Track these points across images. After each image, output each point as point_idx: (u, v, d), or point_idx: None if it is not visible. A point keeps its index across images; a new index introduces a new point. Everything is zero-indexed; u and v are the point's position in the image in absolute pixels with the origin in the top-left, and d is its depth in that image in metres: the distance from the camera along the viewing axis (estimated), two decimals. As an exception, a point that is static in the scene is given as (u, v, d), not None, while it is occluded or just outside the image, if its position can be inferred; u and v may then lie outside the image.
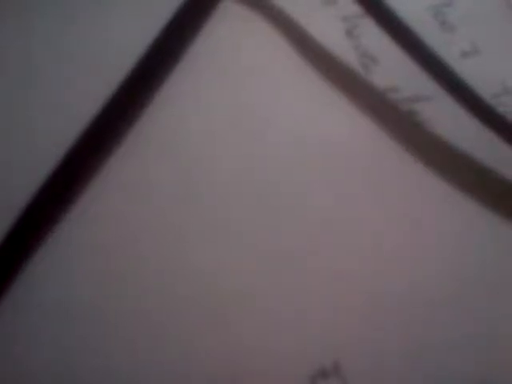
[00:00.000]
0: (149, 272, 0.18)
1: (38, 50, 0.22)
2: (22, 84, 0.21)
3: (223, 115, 0.21)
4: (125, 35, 0.22)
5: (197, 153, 0.20)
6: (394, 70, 0.22)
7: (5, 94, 0.21)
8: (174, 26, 0.22)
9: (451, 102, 0.20)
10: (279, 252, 0.19)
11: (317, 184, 0.20)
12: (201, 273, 0.19)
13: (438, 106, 0.21)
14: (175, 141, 0.20)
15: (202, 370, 0.17)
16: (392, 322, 0.18)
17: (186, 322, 0.18)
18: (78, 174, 0.19)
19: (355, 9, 0.21)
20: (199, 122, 0.21)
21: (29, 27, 0.22)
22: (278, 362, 0.18)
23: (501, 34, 0.23)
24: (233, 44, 0.22)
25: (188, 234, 0.19)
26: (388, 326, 0.18)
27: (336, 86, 0.22)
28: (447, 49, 0.22)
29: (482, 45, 0.22)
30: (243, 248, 0.19)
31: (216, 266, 0.19)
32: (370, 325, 0.18)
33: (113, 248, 0.19)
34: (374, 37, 0.21)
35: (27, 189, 0.19)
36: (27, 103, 0.21)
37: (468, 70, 0.21)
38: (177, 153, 0.20)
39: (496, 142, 0.20)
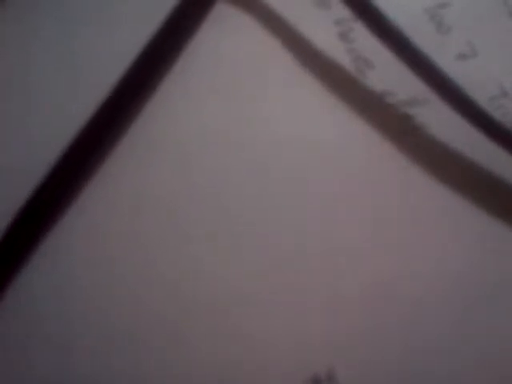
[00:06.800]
0: (149, 272, 0.19)
1: (37, 52, 0.22)
2: (21, 85, 0.21)
3: (218, 118, 0.21)
4: (122, 37, 0.22)
5: (193, 154, 0.20)
6: (389, 73, 0.21)
7: (4, 94, 0.21)
8: (167, 28, 0.22)
9: (447, 105, 0.20)
10: (275, 254, 0.19)
11: (314, 186, 0.20)
12: (200, 274, 0.19)
13: (434, 109, 0.21)
14: (172, 142, 0.20)
15: (200, 371, 0.17)
16: (389, 328, 0.18)
17: (184, 323, 0.18)
18: (76, 174, 0.19)
19: (349, 12, 0.21)
20: (195, 124, 0.21)
21: (28, 28, 0.22)
22: (271, 369, 0.18)
23: (498, 36, 0.23)
24: (226, 46, 0.22)
25: (187, 235, 0.19)
26: (384, 333, 0.18)
27: (331, 90, 0.21)
28: (444, 51, 0.22)
29: (479, 47, 0.22)
30: (239, 250, 0.19)
31: (214, 268, 0.19)
32: (365, 332, 0.18)
33: (114, 247, 0.19)
34: (369, 40, 0.21)
35: (25, 189, 0.19)
36: (25, 104, 0.21)
37: (465, 73, 0.21)
38: (174, 153, 0.20)
39: (492, 145, 0.19)
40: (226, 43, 0.22)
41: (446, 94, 0.20)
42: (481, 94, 0.21)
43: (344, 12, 0.22)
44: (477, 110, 0.19)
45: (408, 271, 0.19)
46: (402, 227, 0.19)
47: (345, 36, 0.22)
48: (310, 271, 0.19)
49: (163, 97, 0.21)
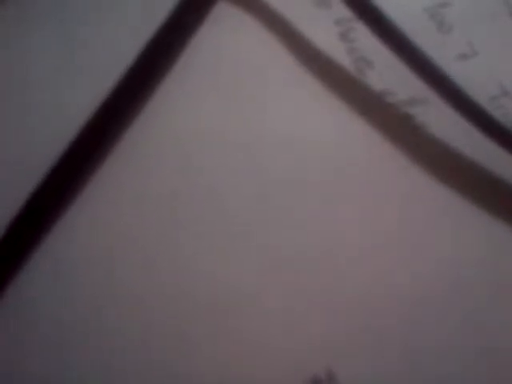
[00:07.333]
0: (149, 271, 0.19)
1: (37, 52, 0.22)
2: (21, 84, 0.21)
3: (218, 117, 0.21)
4: (122, 37, 0.22)
5: (194, 153, 0.20)
6: (389, 73, 0.21)
7: (3, 93, 0.21)
8: (168, 27, 0.22)
9: (447, 105, 0.20)
10: (275, 254, 0.19)
11: (314, 187, 0.20)
12: (200, 275, 0.19)
13: (434, 109, 0.21)
14: (172, 141, 0.20)
15: (200, 372, 0.17)
16: (389, 329, 0.18)
17: (184, 324, 0.18)
18: (76, 173, 0.19)
19: (349, 12, 0.21)
20: (196, 123, 0.21)
21: (29, 28, 0.22)
22: (271, 370, 0.17)
23: (498, 36, 0.23)
24: (227, 46, 0.22)
25: (188, 234, 0.19)
26: (384, 333, 0.18)
27: (331, 90, 0.21)
28: (444, 51, 0.22)
29: (479, 46, 0.22)
30: (239, 250, 0.19)
31: (214, 268, 0.19)
32: (365, 332, 0.18)
33: (114, 246, 0.19)
34: (369, 40, 0.21)
35: (25, 188, 0.19)
36: (25, 103, 0.21)
37: (465, 72, 0.21)
38: (175, 152, 0.20)
39: (492, 145, 0.19)
40: (226, 43, 0.22)
41: (447, 94, 0.20)
42: (481, 94, 0.20)
43: (344, 12, 0.22)
44: (477, 109, 0.19)
45: (408, 271, 0.19)
46: (402, 227, 0.19)
47: (345, 36, 0.22)
48: (310, 271, 0.19)
49: (164, 95, 0.21)
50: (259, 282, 0.18)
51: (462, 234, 0.19)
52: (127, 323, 0.18)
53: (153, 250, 0.19)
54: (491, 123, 0.19)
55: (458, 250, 0.19)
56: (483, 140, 0.19)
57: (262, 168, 0.20)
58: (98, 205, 0.19)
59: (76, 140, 0.20)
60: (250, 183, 0.20)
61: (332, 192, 0.20)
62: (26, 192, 0.19)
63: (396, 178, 0.20)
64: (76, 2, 0.23)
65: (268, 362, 0.18)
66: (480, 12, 0.23)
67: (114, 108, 0.20)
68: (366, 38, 0.21)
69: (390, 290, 0.18)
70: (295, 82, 0.21)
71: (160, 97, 0.21)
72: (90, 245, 0.19)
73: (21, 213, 0.19)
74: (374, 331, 0.18)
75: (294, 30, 0.22)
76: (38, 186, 0.19)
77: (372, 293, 0.18)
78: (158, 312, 0.18)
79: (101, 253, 0.19)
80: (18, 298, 0.18)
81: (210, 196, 0.20)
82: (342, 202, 0.20)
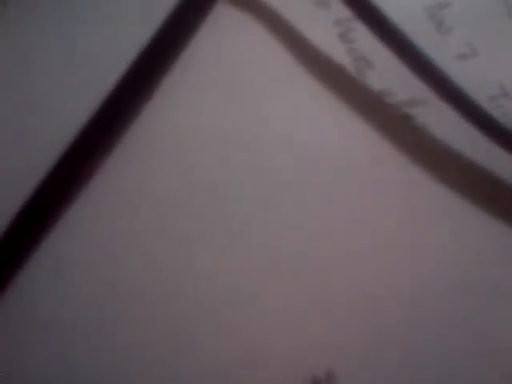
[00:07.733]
0: (149, 270, 0.19)
1: (38, 52, 0.22)
2: (22, 84, 0.21)
3: (219, 117, 0.21)
4: (123, 37, 0.22)
5: (194, 153, 0.20)
6: (389, 73, 0.21)
7: (4, 93, 0.21)
8: (168, 27, 0.22)
9: (447, 106, 0.20)
10: (275, 254, 0.19)
11: (314, 187, 0.20)
12: (200, 275, 0.19)
13: (434, 109, 0.21)
14: (173, 141, 0.20)
15: (200, 371, 0.17)
16: (389, 329, 0.18)
17: (184, 324, 0.18)
18: (77, 172, 0.19)
19: (349, 12, 0.21)
20: (196, 123, 0.21)
21: (30, 28, 0.22)
22: (271, 370, 0.18)
23: (498, 36, 0.22)
24: (226, 47, 0.22)
25: (187, 236, 0.19)
26: (385, 334, 0.18)
27: (331, 90, 0.21)
28: (444, 51, 0.22)
29: (479, 46, 0.22)
30: (239, 250, 0.19)
31: (214, 269, 0.19)
32: (366, 332, 0.18)
33: (114, 246, 0.19)
34: (369, 40, 0.21)
35: (25, 189, 0.19)
36: (26, 102, 0.21)
37: (465, 73, 0.21)
38: (175, 152, 0.20)
39: (492, 145, 0.19)
40: (226, 43, 0.22)
41: (446, 94, 0.20)
42: (481, 94, 0.21)
43: (344, 12, 0.22)
44: (477, 109, 0.19)
45: (408, 271, 0.19)
46: (402, 227, 0.19)
47: (345, 36, 0.22)
48: (310, 271, 0.19)
49: (165, 94, 0.21)
50: (259, 282, 0.18)
51: (462, 234, 0.19)
52: (128, 322, 0.18)
53: (154, 248, 0.19)
54: (491, 123, 0.19)
55: (458, 250, 0.19)
56: (483, 140, 0.19)
57: (262, 167, 0.20)
58: (100, 202, 0.19)
59: (78, 137, 0.20)
60: (250, 183, 0.20)
61: (332, 192, 0.20)
62: (27, 190, 0.19)
63: (396, 177, 0.20)
64: (77, 2, 0.23)
65: (268, 362, 0.18)
66: (479, 12, 0.23)
67: (115, 106, 0.20)
68: (365, 39, 0.21)
69: (390, 290, 0.18)
70: (295, 82, 0.21)
71: (161, 95, 0.21)
72: (92, 243, 0.19)
73: (22, 211, 0.19)
74: (374, 331, 0.18)
75: (293, 30, 0.22)
76: (39, 184, 0.19)
77: (372, 293, 0.18)
78: (159, 311, 0.18)
79: (102, 251, 0.19)
80: (19, 296, 0.18)
81: (211, 195, 0.20)
82: (342, 202, 0.20)
